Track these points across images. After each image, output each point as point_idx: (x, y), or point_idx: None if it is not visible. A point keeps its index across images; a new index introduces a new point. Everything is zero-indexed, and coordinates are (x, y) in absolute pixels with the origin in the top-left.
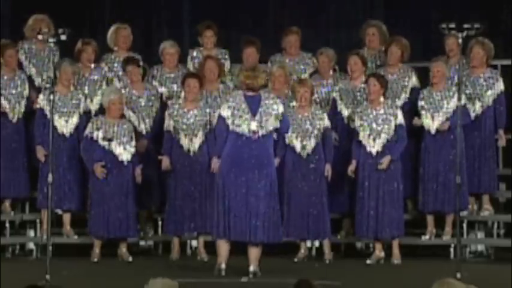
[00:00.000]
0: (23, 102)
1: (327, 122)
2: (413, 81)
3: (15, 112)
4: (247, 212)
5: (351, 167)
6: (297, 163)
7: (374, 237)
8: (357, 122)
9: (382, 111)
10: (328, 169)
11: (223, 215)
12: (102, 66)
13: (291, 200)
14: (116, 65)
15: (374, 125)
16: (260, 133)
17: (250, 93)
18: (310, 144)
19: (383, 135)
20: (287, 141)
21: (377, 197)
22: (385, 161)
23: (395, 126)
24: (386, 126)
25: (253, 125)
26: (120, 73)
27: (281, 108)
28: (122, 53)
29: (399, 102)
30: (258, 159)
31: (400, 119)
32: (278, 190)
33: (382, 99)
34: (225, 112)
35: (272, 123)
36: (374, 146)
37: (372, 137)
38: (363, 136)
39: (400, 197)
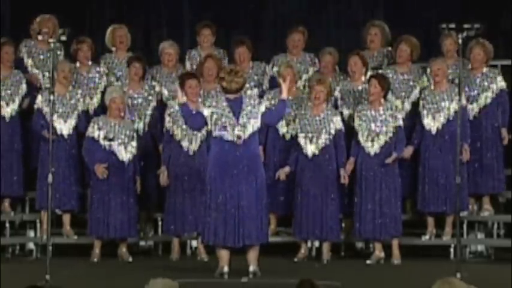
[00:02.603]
0: (17, 101)
1: (339, 124)
2: (425, 81)
3: (8, 110)
4: (237, 218)
5: (349, 166)
6: (305, 163)
7: (372, 237)
8: (356, 122)
9: (381, 112)
10: (343, 175)
11: (211, 222)
12: (100, 65)
13: (299, 201)
14: (114, 65)
15: (373, 126)
16: (244, 137)
17: (231, 96)
18: (319, 144)
19: (381, 137)
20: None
21: (375, 198)
22: (391, 158)
23: (395, 128)
24: (384, 128)
25: (237, 130)
26: (119, 73)
27: (262, 108)
28: (120, 53)
29: (408, 102)
30: (244, 162)
31: (400, 121)
32: (290, 189)
33: (382, 100)
34: (206, 113)
35: (255, 125)
36: (372, 147)
37: (370, 137)
38: (361, 136)
39: (398, 196)
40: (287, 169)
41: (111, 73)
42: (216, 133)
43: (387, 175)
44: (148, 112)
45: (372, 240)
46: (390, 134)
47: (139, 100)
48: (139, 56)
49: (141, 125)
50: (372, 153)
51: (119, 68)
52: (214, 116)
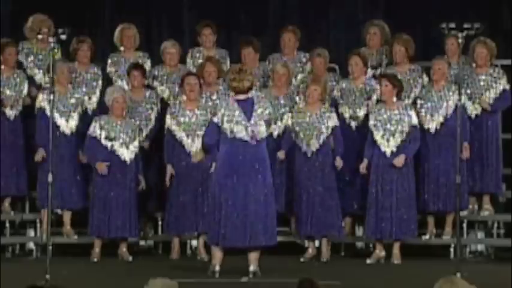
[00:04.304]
0: (21, 101)
1: (335, 121)
2: (425, 81)
3: (13, 110)
4: (245, 218)
5: (363, 165)
6: (303, 162)
7: (387, 238)
8: (371, 122)
9: (396, 112)
10: (339, 162)
11: (220, 222)
12: (107, 64)
13: (300, 199)
14: (121, 64)
15: (388, 126)
16: (257, 137)
17: (241, 97)
18: (316, 143)
19: (397, 136)
20: (294, 138)
21: (391, 198)
22: (400, 159)
23: (410, 127)
24: (400, 127)
25: (251, 130)
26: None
27: (271, 112)
28: (128, 52)
29: (408, 100)
30: (253, 164)
31: (414, 119)
32: (290, 188)
33: (395, 99)
34: (217, 119)
35: (266, 128)
36: (388, 147)
37: (385, 137)
38: (377, 136)
39: (413, 197)
40: (282, 151)
41: (116, 73)
42: (228, 134)
43: (402, 175)
44: (151, 116)
45: (387, 240)
46: (406, 134)
47: (143, 105)
48: (137, 64)
49: (143, 129)
50: (388, 152)
51: (124, 67)
52: (225, 117)
